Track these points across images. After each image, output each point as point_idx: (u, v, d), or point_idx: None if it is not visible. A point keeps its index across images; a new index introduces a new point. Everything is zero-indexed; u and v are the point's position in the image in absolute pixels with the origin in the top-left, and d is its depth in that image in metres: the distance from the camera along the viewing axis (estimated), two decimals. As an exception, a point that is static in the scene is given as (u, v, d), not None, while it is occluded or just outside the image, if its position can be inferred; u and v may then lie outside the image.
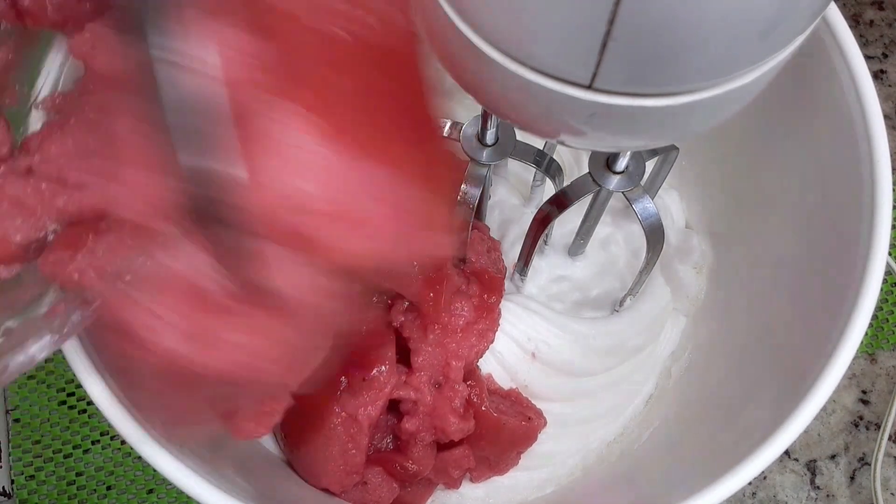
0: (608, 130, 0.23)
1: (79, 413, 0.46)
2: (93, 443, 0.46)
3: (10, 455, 0.45)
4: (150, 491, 0.45)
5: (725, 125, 0.25)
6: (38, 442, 0.46)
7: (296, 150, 0.22)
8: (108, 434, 0.46)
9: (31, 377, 0.47)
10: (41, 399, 0.47)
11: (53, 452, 0.46)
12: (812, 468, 0.47)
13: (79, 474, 0.45)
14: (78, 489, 0.45)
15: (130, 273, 0.24)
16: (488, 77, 0.23)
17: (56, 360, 0.47)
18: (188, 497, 0.29)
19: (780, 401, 0.31)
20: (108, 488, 0.45)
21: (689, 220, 0.49)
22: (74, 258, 0.24)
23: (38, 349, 0.25)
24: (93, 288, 0.24)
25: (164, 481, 0.28)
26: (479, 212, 0.44)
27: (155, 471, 0.29)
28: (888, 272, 0.48)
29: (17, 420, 0.46)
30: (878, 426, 0.48)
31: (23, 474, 0.45)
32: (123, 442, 0.29)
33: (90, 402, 0.42)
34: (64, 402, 0.47)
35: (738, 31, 0.19)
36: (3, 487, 0.44)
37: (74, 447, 0.46)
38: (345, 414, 0.37)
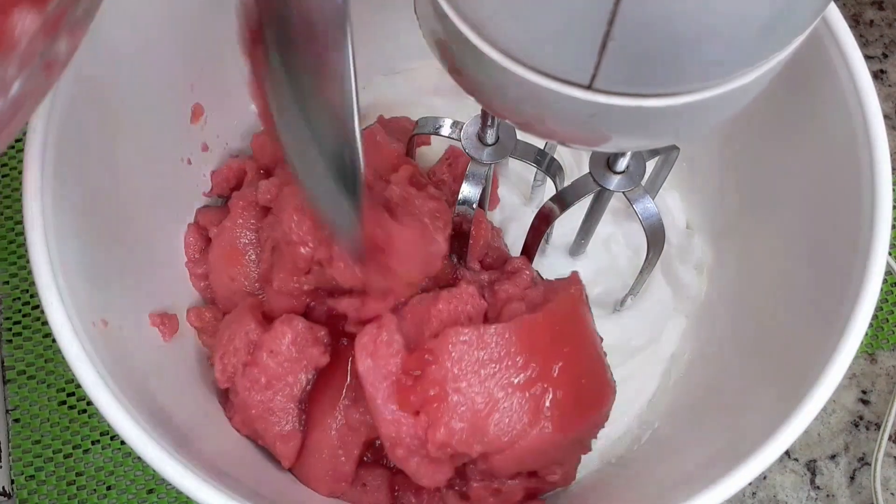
0: (608, 131, 0.23)
1: (79, 413, 0.46)
2: (93, 443, 0.46)
3: (10, 455, 0.45)
4: (150, 491, 0.45)
5: (726, 125, 0.25)
6: (38, 442, 0.46)
7: None
8: (108, 434, 0.46)
9: (31, 377, 0.47)
10: (41, 399, 0.47)
11: (53, 452, 0.46)
12: (812, 468, 0.47)
13: (79, 474, 0.45)
14: (78, 489, 0.45)
15: None
16: (488, 77, 0.23)
17: (56, 361, 0.47)
18: (188, 497, 0.29)
19: (780, 401, 0.31)
20: (108, 488, 0.45)
21: (689, 220, 0.49)
22: None
23: None
24: None
25: (164, 481, 0.28)
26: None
27: (155, 471, 0.29)
28: (888, 272, 0.48)
29: (17, 420, 0.46)
30: (878, 426, 0.48)
31: (23, 474, 0.45)
32: (123, 442, 0.29)
33: (90, 402, 0.42)
34: (64, 402, 0.47)
35: (738, 31, 0.19)
36: (3, 487, 0.44)
37: (74, 447, 0.46)
38: (344, 421, 0.37)
